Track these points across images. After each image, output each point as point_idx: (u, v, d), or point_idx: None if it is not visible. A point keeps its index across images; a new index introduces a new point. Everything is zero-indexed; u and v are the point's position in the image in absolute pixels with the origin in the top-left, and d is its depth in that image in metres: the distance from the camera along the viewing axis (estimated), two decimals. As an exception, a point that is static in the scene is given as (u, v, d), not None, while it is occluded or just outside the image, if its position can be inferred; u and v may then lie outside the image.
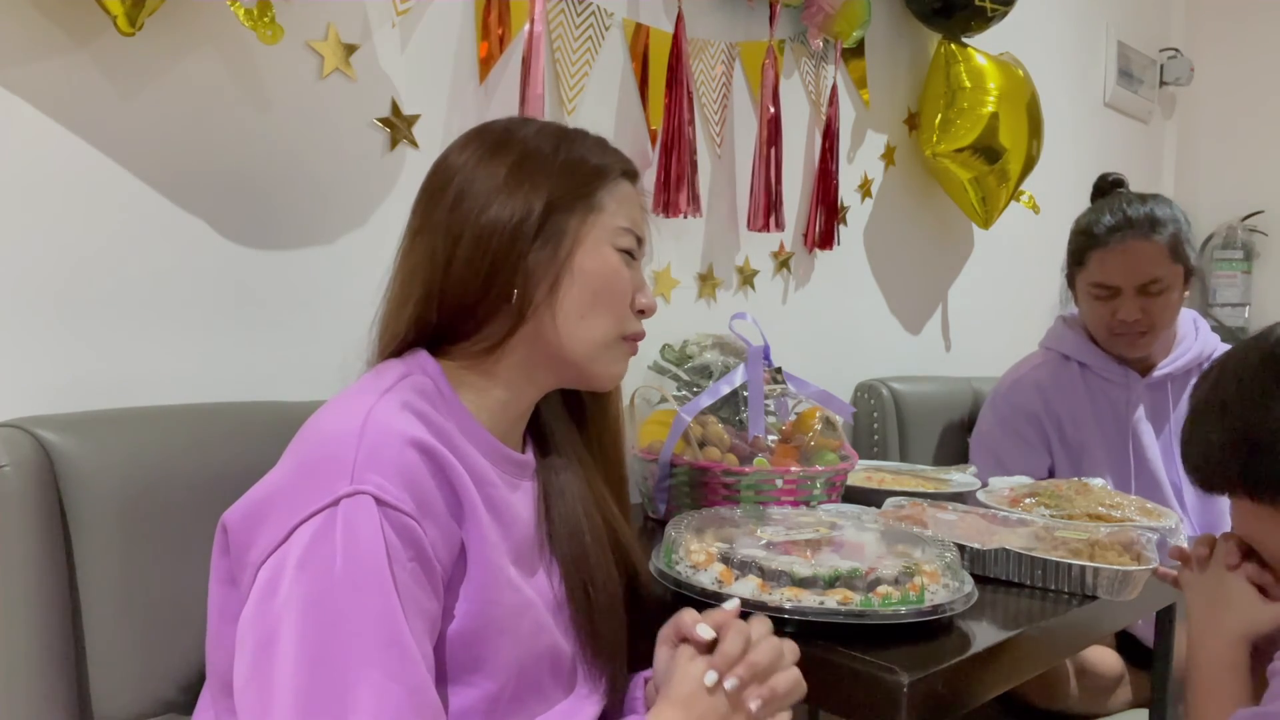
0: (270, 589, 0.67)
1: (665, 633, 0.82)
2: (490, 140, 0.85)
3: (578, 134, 0.88)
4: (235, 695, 0.67)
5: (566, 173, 0.83)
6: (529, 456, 0.89)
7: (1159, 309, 1.58)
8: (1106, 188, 1.71)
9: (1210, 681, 0.91)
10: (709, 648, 0.78)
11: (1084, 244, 1.63)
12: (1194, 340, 1.69)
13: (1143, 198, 1.62)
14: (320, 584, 0.66)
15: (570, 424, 0.95)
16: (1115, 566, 0.99)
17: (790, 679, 0.78)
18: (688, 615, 0.80)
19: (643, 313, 0.88)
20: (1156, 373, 1.65)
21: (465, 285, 0.80)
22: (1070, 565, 1.01)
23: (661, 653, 0.82)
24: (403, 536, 0.69)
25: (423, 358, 0.82)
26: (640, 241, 0.88)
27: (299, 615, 0.65)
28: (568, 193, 0.82)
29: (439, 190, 0.83)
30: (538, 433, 0.93)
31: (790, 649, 0.80)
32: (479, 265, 0.80)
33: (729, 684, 0.75)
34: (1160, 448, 1.66)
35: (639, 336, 0.88)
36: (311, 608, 0.65)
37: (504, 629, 0.78)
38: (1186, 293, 1.62)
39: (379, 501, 0.68)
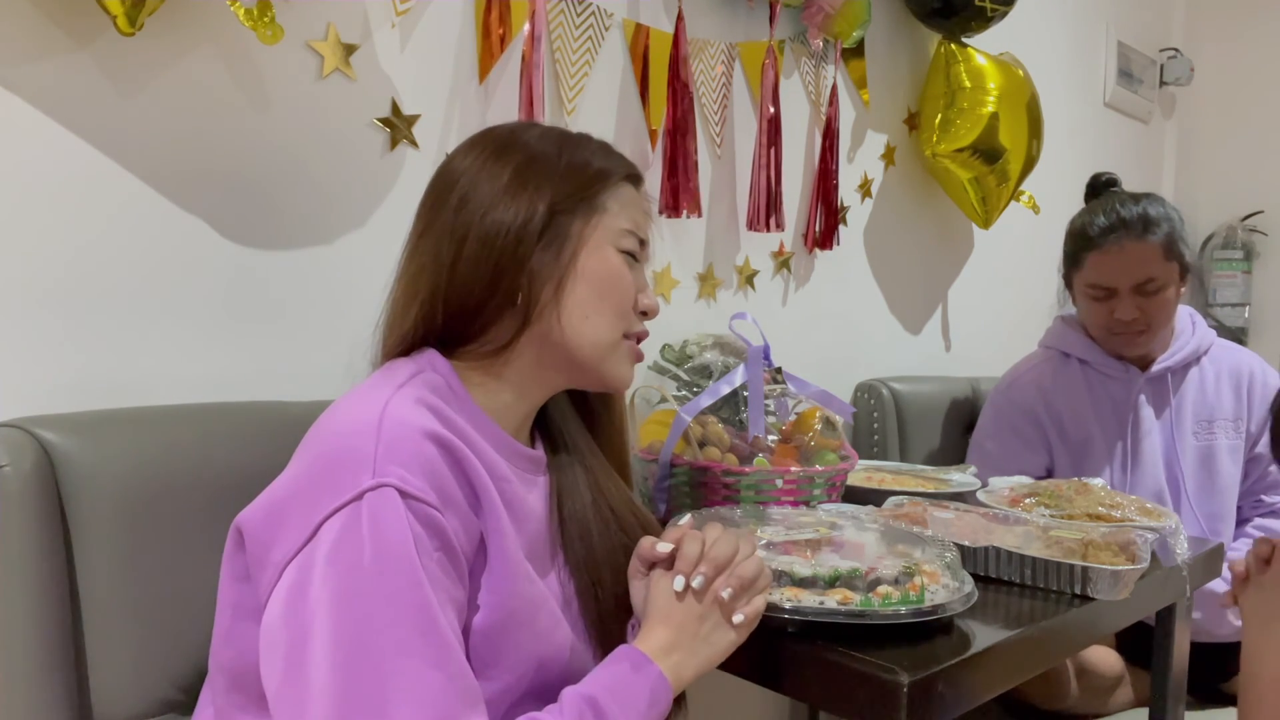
0: (300, 588, 0.67)
1: (633, 568, 0.84)
2: (494, 144, 0.85)
3: (582, 138, 0.88)
4: (270, 697, 0.67)
5: (570, 176, 0.84)
6: (540, 452, 0.90)
7: (1156, 308, 1.59)
8: (1100, 187, 1.72)
9: (1273, 706, 0.88)
10: (672, 562, 0.80)
11: (1079, 245, 1.64)
12: (1191, 335, 1.70)
13: (1135, 197, 1.62)
14: (351, 578, 0.66)
15: (579, 423, 0.95)
16: (1104, 566, 0.99)
17: (754, 564, 0.81)
18: (645, 541, 0.82)
19: (645, 313, 0.89)
20: (1156, 366, 1.66)
21: (470, 286, 0.81)
22: (1060, 564, 1.01)
23: (635, 587, 0.84)
24: (428, 527, 0.70)
25: (433, 356, 0.83)
26: (643, 244, 0.88)
27: (331, 611, 0.65)
28: (571, 195, 0.83)
29: (444, 193, 0.84)
30: (546, 431, 0.93)
31: (746, 540, 0.83)
32: (484, 266, 0.80)
33: (696, 582, 0.78)
34: (1162, 436, 1.66)
35: (642, 336, 0.89)
36: (343, 603, 0.66)
37: (523, 622, 0.79)
38: (1183, 289, 1.62)
39: (403, 493, 0.68)
